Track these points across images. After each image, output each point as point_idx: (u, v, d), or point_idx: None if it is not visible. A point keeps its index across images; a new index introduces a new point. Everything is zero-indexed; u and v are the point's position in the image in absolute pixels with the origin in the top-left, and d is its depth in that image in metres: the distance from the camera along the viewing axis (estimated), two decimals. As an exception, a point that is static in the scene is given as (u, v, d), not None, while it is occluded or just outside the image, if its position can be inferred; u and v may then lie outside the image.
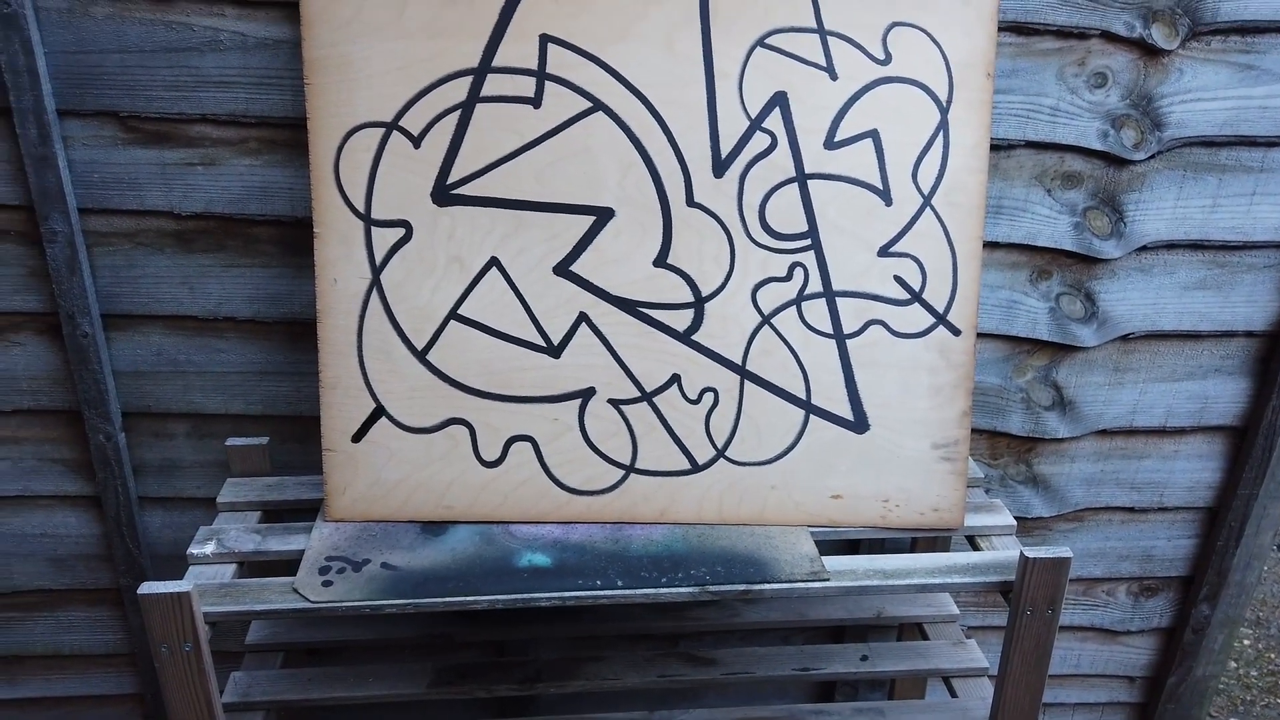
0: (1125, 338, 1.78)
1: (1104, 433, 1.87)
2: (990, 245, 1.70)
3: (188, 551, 1.47)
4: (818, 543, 1.52)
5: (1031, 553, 1.38)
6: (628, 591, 1.40)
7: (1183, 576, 2.02)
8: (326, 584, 1.39)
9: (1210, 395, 1.84)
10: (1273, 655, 2.80)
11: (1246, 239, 1.71)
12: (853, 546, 1.89)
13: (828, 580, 1.42)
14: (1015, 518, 1.91)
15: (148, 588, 1.30)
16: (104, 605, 1.90)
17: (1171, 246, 1.72)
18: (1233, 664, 2.75)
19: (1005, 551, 1.49)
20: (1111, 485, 1.91)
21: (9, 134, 1.51)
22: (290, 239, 1.62)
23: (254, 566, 1.51)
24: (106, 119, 1.52)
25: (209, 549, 1.48)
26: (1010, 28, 1.55)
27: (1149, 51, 1.58)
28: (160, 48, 1.48)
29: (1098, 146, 1.63)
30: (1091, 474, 1.90)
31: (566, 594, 1.39)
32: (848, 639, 1.96)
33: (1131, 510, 1.94)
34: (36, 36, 1.45)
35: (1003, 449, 1.88)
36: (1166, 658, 2.09)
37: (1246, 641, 2.85)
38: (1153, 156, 1.65)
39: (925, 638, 1.80)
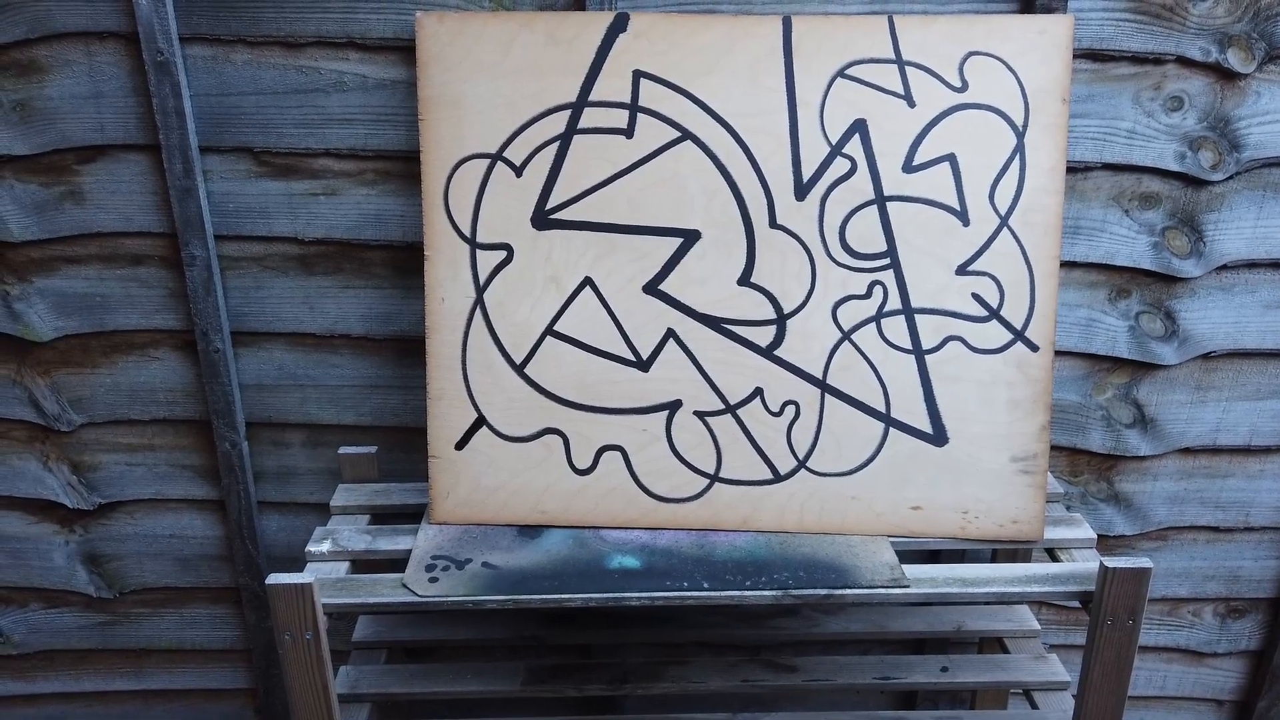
0: (1207, 356, 1.80)
1: (1187, 451, 1.87)
2: (1069, 265, 1.74)
3: (306, 549, 1.58)
4: (898, 553, 1.57)
5: (1112, 562, 1.41)
6: (713, 593, 1.46)
7: (1271, 598, 2.00)
8: (433, 580, 1.49)
9: (1297, 414, 1.83)
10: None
11: (1330, 257, 1.72)
12: (933, 558, 1.92)
13: (908, 587, 1.46)
14: (1098, 535, 1.93)
15: (275, 579, 1.41)
16: (223, 603, 2.05)
17: (1253, 265, 1.74)
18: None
19: (1085, 563, 1.52)
20: (1195, 504, 1.91)
21: (157, 168, 1.68)
22: (400, 262, 1.75)
23: (365, 564, 1.62)
24: (242, 154, 1.68)
25: (325, 547, 1.60)
26: (1085, 54, 1.60)
27: (1225, 75, 1.61)
28: (291, 89, 1.63)
29: (1175, 168, 1.66)
30: (1174, 492, 1.90)
31: (655, 594, 1.46)
32: (928, 652, 1.99)
33: (1216, 530, 1.94)
34: (184, 80, 1.62)
35: (1083, 466, 1.90)
36: (1255, 681, 2.06)
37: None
38: (1231, 177, 1.67)
39: (1006, 652, 1.82)
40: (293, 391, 1.85)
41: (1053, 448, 1.87)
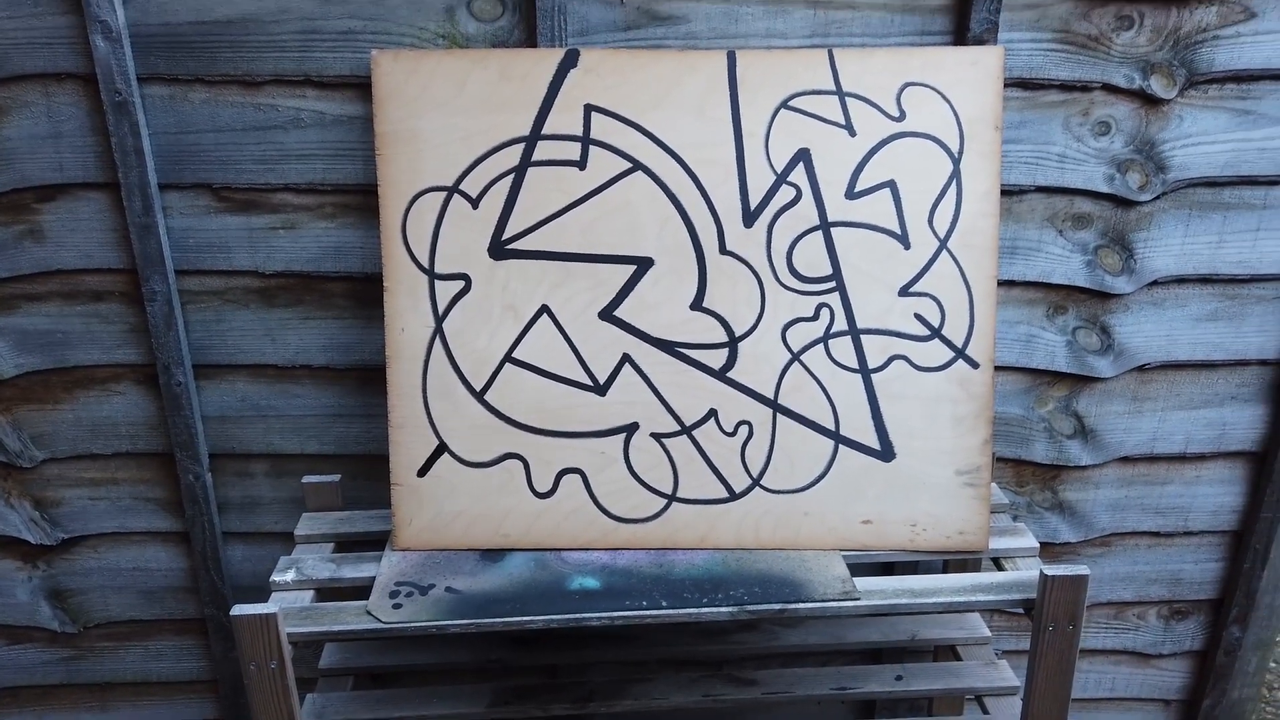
0: (1142, 368, 1.87)
1: (1126, 460, 1.95)
2: (1007, 283, 1.81)
3: (270, 579, 1.60)
4: (852, 566, 1.62)
5: (1051, 570, 1.47)
6: (671, 611, 1.50)
7: (1212, 599, 2.07)
8: (397, 606, 1.51)
9: (1228, 422, 1.91)
10: (1320, 683, 2.79)
11: (1254, 272, 1.80)
12: (887, 569, 1.97)
13: (858, 599, 1.51)
14: (1044, 544, 2.00)
15: (239, 609, 1.43)
16: (189, 635, 2.05)
17: (1182, 281, 1.82)
18: (1280, 693, 2.75)
19: (1026, 572, 1.58)
20: (1136, 510, 1.99)
21: (116, 206, 1.70)
22: (361, 293, 1.79)
23: (330, 592, 1.64)
24: (202, 190, 1.71)
25: (289, 576, 1.62)
26: (1017, 83, 1.68)
27: (1149, 101, 1.69)
28: (249, 126, 1.66)
29: (1105, 189, 1.74)
30: (1116, 500, 1.98)
31: (615, 614, 1.50)
32: (885, 661, 2.04)
33: (1157, 535, 2.01)
34: (143, 119, 1.64)
35: (1028, 476, 1.96)
36: (1200, 680, 2.14)
37: (1292, 669, 2.84)
38: (1158, 197, 1.75)
39: (959, 659, 1.87)
40: (256, 422, 1.87)
41: (998, 459, 1.94)
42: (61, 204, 1.72)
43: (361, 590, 1.58)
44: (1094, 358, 1.86)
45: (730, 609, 1.51)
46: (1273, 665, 2.80)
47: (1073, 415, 1.91)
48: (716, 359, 1.61)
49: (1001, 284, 1.80)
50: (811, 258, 1.59)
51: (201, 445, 1.86)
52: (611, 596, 1.52)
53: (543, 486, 1.63)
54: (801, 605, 1.51)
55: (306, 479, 1.79)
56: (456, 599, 1.53)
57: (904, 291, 1.60)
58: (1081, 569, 1.46)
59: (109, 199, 1.70)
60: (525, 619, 1.50)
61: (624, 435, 1.62)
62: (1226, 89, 1.69)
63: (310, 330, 1.81)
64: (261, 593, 1.60)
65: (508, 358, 1.61)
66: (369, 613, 1.50)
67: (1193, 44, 1.66)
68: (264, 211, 1.72)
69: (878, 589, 1.53)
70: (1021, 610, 1.54)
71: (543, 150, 1.57)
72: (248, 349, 1.81)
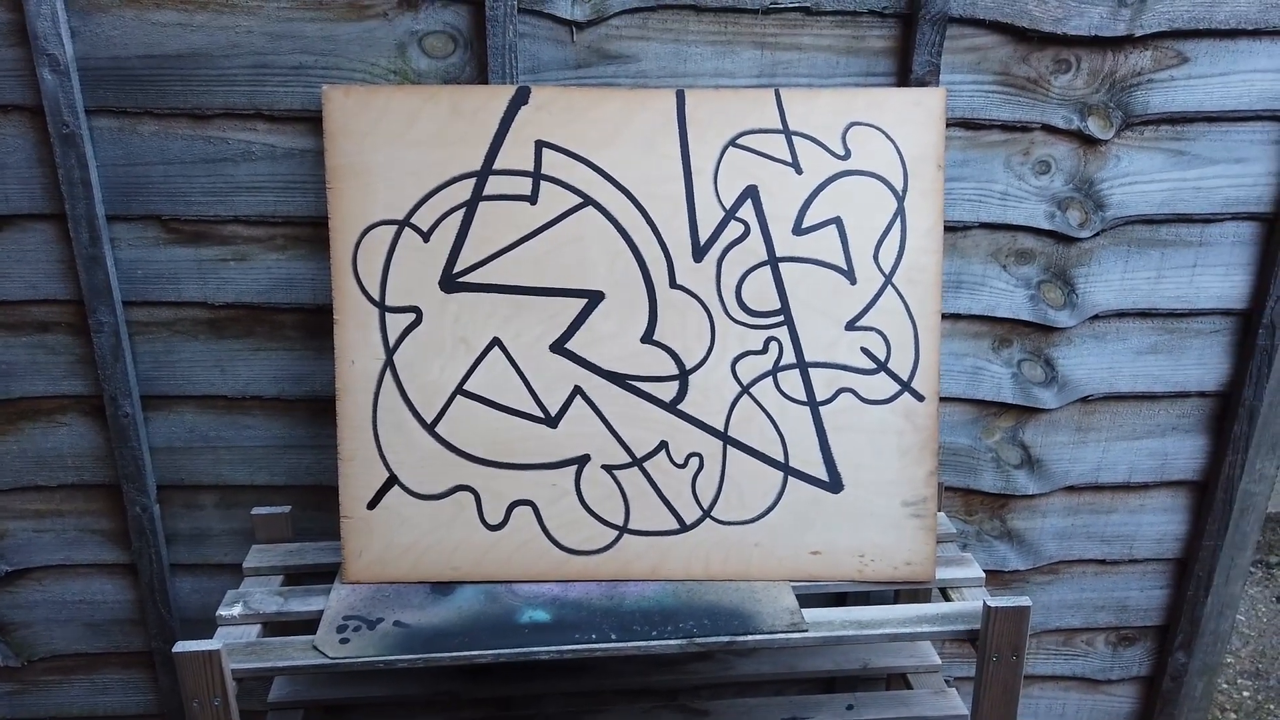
0: (1085, 399, 1.91)
1: (1072, 489, 1.98)
2: (953, 317, 1.84)
3: (217, 613, 1.58)
4: (804, 597, 1.63)
5: (994, 602, 1.49)
6: (620, 644, 1.50)
7: (1158, 626, 2.11)
8: (344, 641, 1.50)
9: (1170, 452, 1.96)
10: (1272, 707, 2.84)
11: (1191, 307, 1.85)
12: (840, 600, 1.99)
13: (806, 631, 1.52)
14: (992, 571, 2.02)
15: (182, 646, 1.41)
16: (137, 668, 2.02)
17: (1122, 315, 1.86)
18: (1232, 716, 2.80)
19: (971, 602, 1.60)
20: (1083, 539, 2.02)
21: (63, 237, 1.69)
22: (312, 324, 1.78)
23: (278, 626, 1.62)
24: (150, 222, 1.70)
25: (236, 610, 1.60)
26: (959, 123, 1.72)
27: (1087, 141, 1.74)
28: (199, 159, 1.66)
29: (1046, 226, 1.79)
30: (1063, 528, 2.01)
31: (564, 648, 1.50)
32: (838, 689, 2.05)
33: (1104, 562, 2.05)
34: (90, 152, 1.63)
35: (976, 505, 1.99)
36: (1148, 705, 2.17)
37: (1246, 693, 2.89)
38: (1098, 234, 1.80)
39: (909, 688, 1.89)
40: (205, 453, 1.86)
41: (947, 489, 1.96)
42: (7, 235, 1.70)
43: (310, 624, 1.56)
44: (1039, 389, 1.90)
45: (679, 642, 1.51)
46: (1224, 687, 2.85)
47: (1019, 445, 1.94)
48: (667, 391, 1.62)
49: (948, 317, 1.84)
50: (760, 292, 1.61)
51: (149, 477, 1.84)
52: (561, 629, 1.52)
53: (494, 518, 1.63)
54: (750, 638, 1.52)
55: (256, 511, 1.78)
56: (404, 633, 1.52)
57: (850, 325, 1.62)
58: (1023, 600, 1.49)
59: (56, 230, 1.69)
60: (474, 653, 1.49)
61: (575, 467, 1.63)
62: (1162, 130, 1.74)
63: (261, 361, 1.80)
64: (210, 625, 1.59)
65: (459, 390, 1.61)
66: (315, 648, 1.49)
67: (1128, 87, 1.71)
68: (214, 243, 1.72)
69: (825, 620, 1.54)
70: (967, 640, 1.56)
71: (494, 185, 1.59)
72: (197, 380, 1.80)
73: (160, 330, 1.77)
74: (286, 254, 1.73)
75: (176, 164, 1.66)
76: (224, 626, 1.58)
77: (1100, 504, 1.99)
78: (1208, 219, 1.80)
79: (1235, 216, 1.79)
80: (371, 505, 1.62)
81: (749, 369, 1.62)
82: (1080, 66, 1.69)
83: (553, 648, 1.49)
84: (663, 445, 1.63)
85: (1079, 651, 2.13)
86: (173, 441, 1.84)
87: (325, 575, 1.70)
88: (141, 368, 1.79)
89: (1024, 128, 1.73)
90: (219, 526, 1.91)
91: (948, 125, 1.68)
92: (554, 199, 1.59)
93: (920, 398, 1.63)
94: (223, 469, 1.87)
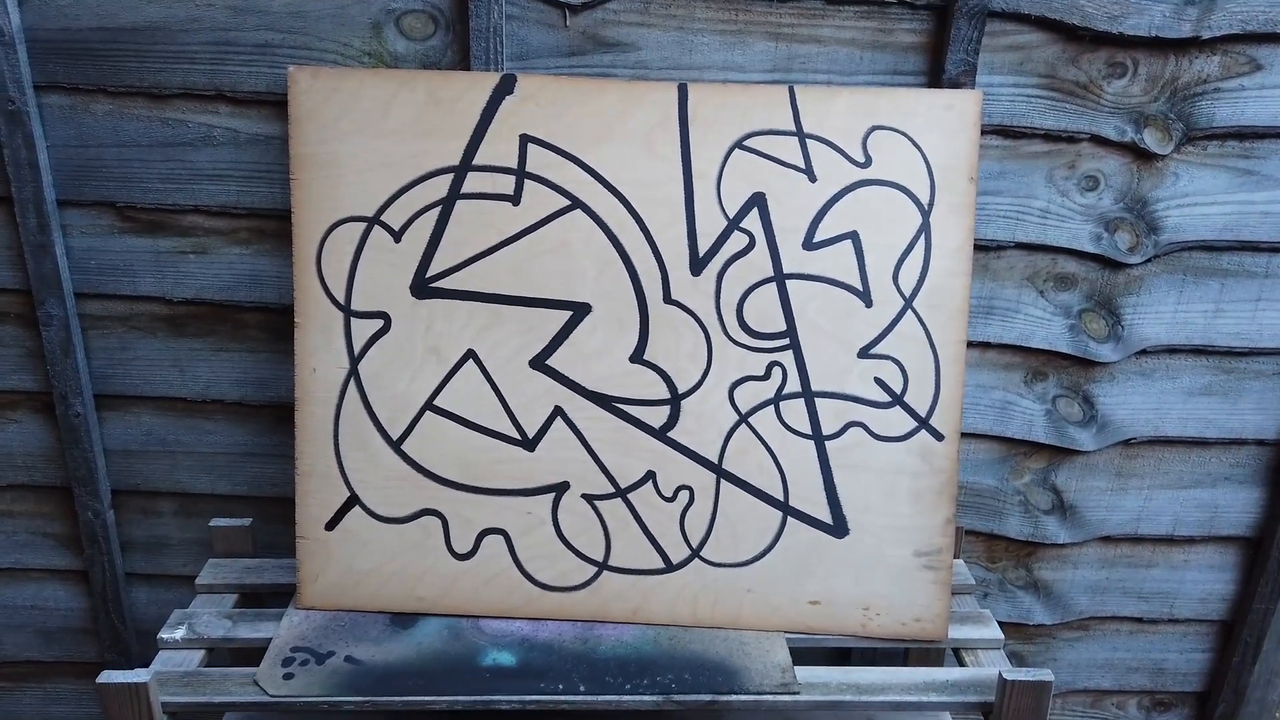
0: (1127, 443, 1.72)
1: (1108, 539, 1.80)
2: (982, 345, 1.67)
3: (158, 636, 1.47)
4: (803, 651, 1.48)
5: (1010, 674, 1.32)
6: (590, 698, 1.37)
7: (1197, 692, 1.92)
8: (288, 677, 1.38)
9: (1220, 504, 1.76)
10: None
11: (1252, 345, 1.66)
12: (844, 656, 1.82)
13: (798, 694, 1.37)
14: (1017, 624, 1.85)
15: (106, 676, 1.31)
16: (89, 678, 1.92)
17: (1173, 351, 1.67)
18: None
19: (985, 670, 1.43)
20: (1118, 594, 1.84)
21: (9, 222, 1.58)
22: (278, 325, 1.66)
23: (224, 653, 1.50)
24: (104, 209, 1.58)
25: (179, 634, 1.49)
26: (996, 130, 1.54)
27: (1142, 155, 1.55)
28: (157, 142, 1.54)
29: (1091, 249, 1.60)
30: (1096, 581, 1.82)
31: (527, 698, 1.36)
32: (838, 748, 1.89)
33: (1140, 621, 1.86)
34: (39, 131, 1.52)
35: (1001, 552, 1.81)
36: (1182, 779, 1.98)
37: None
38: (1150, 260, 1.61)
39: (916, 752, 1.72)
40: (162, 458, 1.74)
41: (969, 533, 1.79)
42: (-47, 217, 1.59)
43: (258, 652, 1.45)
44: (1075, 429, 1.71)
45: (655, 698, 1.37)
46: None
47: (1051, 489, 1.76)
48: (657, 417, 1.47)
49: (977, 345, 1.66)
50: (764, 311, 1.45)
51: (102, 481, 1.73)
52: (526, 676, 1.39)
53: (462, 547, 1.50)
54: (734, 698, 1.37)
55: (215, 522, 1.67)
56: (355, 670, 1.39)
57: (864, 353, 1.46)
58: (1044, 675, 1.32)
59: (3, 215, 1.58)
60: (427, 699, 1.37)
61: (553, 495, 1.49)
62: (1228, 146, 1.55)
63: (223, 363, 1.67)
64: (165, 641, 1.47)
65: (429, 405, 1.48)
66: (256, 683, 1.37)
67: (1191, 96, 1.52)
68: (172, 234, 1.59)
69: (820, 682, 1.39)
70: (979, 715, 1.39)
71: (473, 182, 1.44)
72: (154, 380, 1.69)
73: (115, 325, 1.65)
74: (251, 249, 1.60)
75: (132, 147, 1.54)
76: (165, 650, 1.47)
77: (1139, 557, 1.80)
78: (1275, 248, 1.60)
79: (1308, 246, 1.60)
80: (330, 526, 1.50)
81: (748, 396, 1.47)
82: (1137, 71, 1.50)
83: (514, 697, 1.36)
84: (650, 476, 1.48)
85: (1108, 715, 1.94)
86: (129, 444, 1.73)
87: (284, 595, 1.58)
88: (95, 364, 1.67)
89: (1070, 138, 1.54)
90: (178, 536, 1.80)
91: (983, 132, 1.51)
92: (539, 200, 1.44)
93: (939, 436, 1.46)
94: (181, 475, 1.75)
